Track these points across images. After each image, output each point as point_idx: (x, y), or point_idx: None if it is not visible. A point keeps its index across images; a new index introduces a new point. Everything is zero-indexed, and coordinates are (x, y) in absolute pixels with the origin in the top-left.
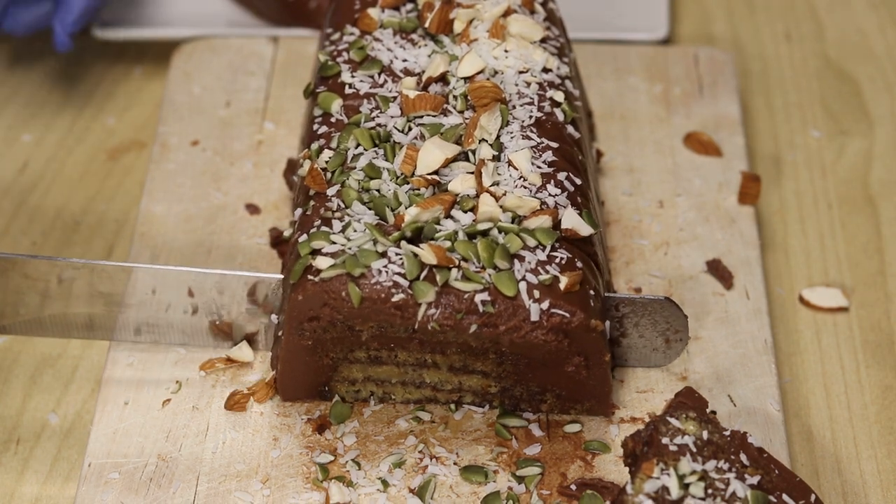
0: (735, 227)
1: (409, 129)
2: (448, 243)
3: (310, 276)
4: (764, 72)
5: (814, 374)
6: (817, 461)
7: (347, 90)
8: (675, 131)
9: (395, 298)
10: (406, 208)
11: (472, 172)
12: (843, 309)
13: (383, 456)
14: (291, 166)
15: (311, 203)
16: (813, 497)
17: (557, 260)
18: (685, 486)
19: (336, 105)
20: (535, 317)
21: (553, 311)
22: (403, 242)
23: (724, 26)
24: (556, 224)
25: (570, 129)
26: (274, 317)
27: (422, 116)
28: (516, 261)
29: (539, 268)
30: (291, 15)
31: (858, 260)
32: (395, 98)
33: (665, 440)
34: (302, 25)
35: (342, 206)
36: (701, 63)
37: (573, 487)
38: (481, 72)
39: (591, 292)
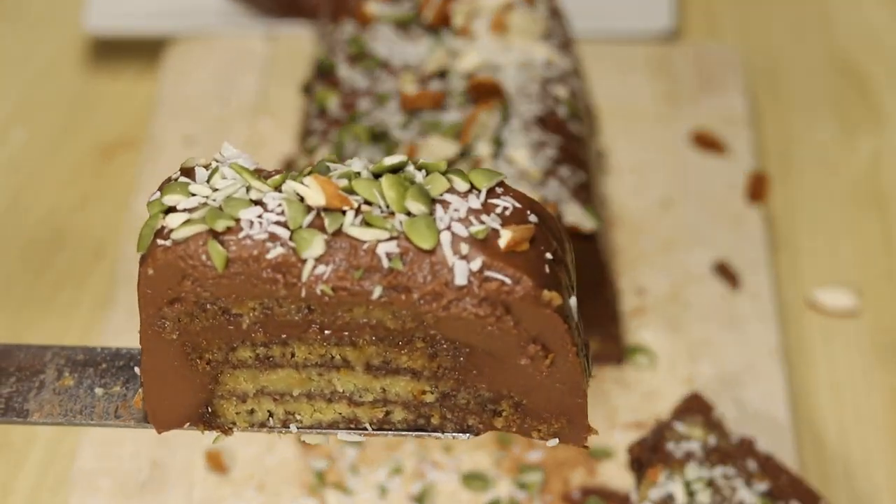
0: (742, 228)
1: (409, 125)
2: (344, 181)
3: (160, 241)
4: (772, 68)
5: (823, 377)
6: (827, 467)
7: (345, 86)
8: (681, 129)
9: (271, 255)
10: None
11: None
12: (854, 311)
13: (381, 462)
14: (287, 165)
15: None
16: None
17: (499, 209)
18: (691, 493)
19: (333, 101)
20: (460, 280)
21: (488, 273)
22: (289, 183)
23: (731, 21)
24: (558, 218)
25: (573, 125)
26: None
27: (421, 112)
28: (439, 206)
29: (471, 217)
30: (288, 8)
31: (869, 260)
32: (393, 94)
33: (671, 446)
34: (299, 18)
35: None
36: (707, 59)
37: (576, 494)
38: (481, 67)
39: (549, 256)
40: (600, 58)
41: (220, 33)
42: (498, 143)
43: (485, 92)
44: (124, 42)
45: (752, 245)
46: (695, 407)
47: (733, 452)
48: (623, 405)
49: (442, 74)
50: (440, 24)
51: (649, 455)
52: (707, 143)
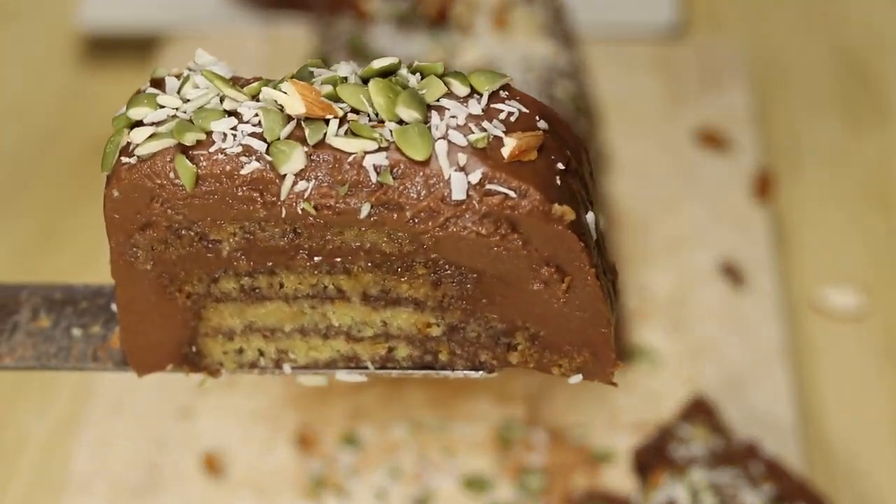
0: (748, 226)
1: None
2: (329, 88)
3: (124, 159)
4: (778, 65)
5: (829, 378)
6: (833, 470)
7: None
8: (685, 127)
9: (245, 170)
10: None
11: None
12: (860, 310)
13: (380, 465)
14: None
15: None
16: None
17: (503, 115)
18: (695, 497)
19: None
20: (458, 194)
21: (490, 186)
22: (266, 90)
23: (736, 17)
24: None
25: (575, 123)
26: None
27: None
28: (434, 113)
29: (471, 124)
30: (285, 1)
31: (876, 260)
32: None
33: (674, 449)
34: (294, 11)
35: None
36: (712, 57)
37: (578, 497)
38: (482, 64)
39: (560, 166)
40: (604, 55)
41: (215, 31)
42: None
43: None
44: (118, 40)
45: (758, 244)
46: (698, 409)
47: (737, 455)
48: (625, 406)
49: None
50: (440, 20)
51: (652, 458)
52: (712, 141)
